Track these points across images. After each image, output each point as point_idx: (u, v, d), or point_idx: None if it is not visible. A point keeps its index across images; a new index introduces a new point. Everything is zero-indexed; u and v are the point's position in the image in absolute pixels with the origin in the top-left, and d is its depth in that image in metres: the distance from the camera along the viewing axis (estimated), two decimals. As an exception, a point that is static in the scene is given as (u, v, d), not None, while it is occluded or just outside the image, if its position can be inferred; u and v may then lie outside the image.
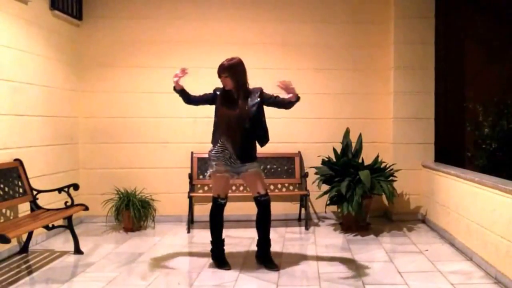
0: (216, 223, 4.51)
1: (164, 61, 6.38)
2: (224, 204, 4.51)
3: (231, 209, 6.26)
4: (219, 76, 4.34)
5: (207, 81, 6.31)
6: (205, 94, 4.55)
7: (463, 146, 6.62)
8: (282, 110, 4.53)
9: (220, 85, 4.45)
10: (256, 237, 4.54)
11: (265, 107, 4.45)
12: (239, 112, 4.26)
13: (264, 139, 4.45)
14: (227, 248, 4.63)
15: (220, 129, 4.36)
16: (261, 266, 4.42)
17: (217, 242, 4.53)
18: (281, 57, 6.47)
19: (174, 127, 6.42)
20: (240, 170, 4.40)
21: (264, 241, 4.49)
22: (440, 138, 6.42)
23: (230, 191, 6.24)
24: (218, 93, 4.46)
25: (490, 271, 4.15)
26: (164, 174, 6.40)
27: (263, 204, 4.43)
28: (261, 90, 4.42)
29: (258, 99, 4.35)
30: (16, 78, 4.96)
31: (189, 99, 4.54)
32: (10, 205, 4.76)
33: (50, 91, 5.63)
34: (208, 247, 4.60)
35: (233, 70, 4.30)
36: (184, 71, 4.42)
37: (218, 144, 4.36)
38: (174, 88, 4.47)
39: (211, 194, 6.21)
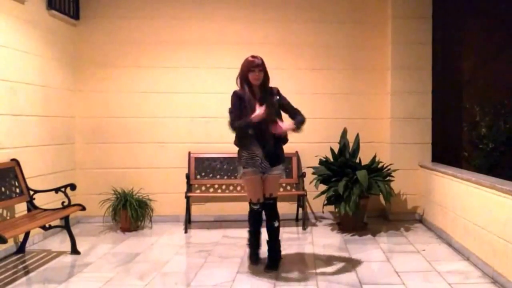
0: (252, 225, 4.49)
1: (161, 61, 6.38)
2: (257, 211, 4.40)
3: (229, 209, 6.33)
4: (251, 70, 4.20)
5: (205, 82, 6.41)
6: (235, 106, 4.24)
7: (460, 146, 6.63)
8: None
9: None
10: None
11: None
12: (267, 111, 4.15)
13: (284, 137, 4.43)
14: (226, 248, 4.63)
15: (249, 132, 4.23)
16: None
17: (251, 240, 4.52)
18: (279, 57, 6.44)
19: (171, 127, 6.41)
20: (267, 171, 4.35)
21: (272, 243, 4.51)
22: (437, 138, 6.44)
23: (228, 191, 6.33)
24: (241, 95, 4.27)
25: (487, 270, 4.16)
26: (161, 174, 6.38)
27: (273, 205, 4.44)
28: (277, 89, 4.39)
29: (278, 97, 4.33)
30: (12, 78, 4.94)
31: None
32: (6, 205, 4.74)
33: (47, 91, 5.61)
34: (205, 247, 4.61)
35: (264, 65, 4.29)
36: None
37: (249, 151, 4.28)
38: (251, 123, 4.14)
39: (207, 194, 6.33)
